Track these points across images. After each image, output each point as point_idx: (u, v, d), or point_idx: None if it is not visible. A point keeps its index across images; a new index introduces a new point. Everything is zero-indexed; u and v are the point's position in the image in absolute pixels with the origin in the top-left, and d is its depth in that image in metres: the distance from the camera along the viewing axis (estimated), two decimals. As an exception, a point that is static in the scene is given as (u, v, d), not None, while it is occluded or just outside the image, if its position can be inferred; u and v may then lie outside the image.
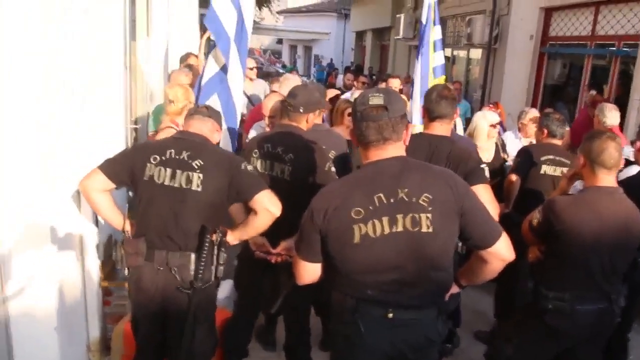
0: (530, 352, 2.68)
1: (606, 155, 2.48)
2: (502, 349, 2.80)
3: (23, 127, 2.43)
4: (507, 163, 4.52)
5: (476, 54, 11.69)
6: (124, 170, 2.45)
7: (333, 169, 2.80)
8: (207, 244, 2.40)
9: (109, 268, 3.38)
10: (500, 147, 4.53)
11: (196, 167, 2.41)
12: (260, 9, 22.25)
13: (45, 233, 2.66)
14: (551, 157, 3.88)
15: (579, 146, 2.64)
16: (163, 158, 2.43)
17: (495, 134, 4.48)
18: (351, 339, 1.96)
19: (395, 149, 1.92)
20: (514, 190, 3.82)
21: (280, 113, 3.06)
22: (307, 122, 2.90)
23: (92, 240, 3.13)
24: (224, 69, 3.62)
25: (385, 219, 1.85)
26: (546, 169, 3.87)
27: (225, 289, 3.64)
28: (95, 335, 3.26)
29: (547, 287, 2.56)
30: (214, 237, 2.42)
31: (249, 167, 2.49)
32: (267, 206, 2.39)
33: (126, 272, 2.49)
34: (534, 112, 5.07)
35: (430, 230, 1.85)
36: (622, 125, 6.69)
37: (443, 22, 13.17)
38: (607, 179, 2.52)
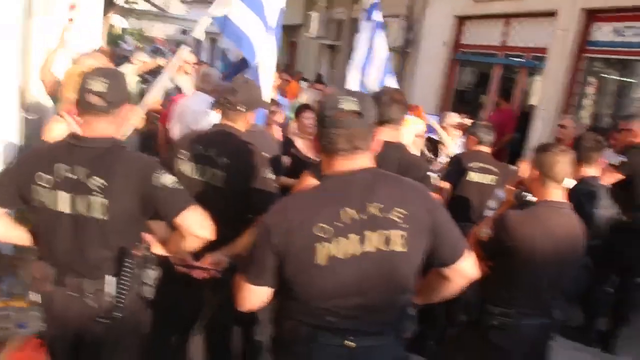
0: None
1: (558, 169, 2.43)
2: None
3: None
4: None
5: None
6: (10, 195, 1.99)
7: (271, 175, 2.53)
8: (128, 267, 2.01)
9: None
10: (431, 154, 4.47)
11: (97, 190, 1.93)
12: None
13: None
14: (480, 164, 3.91)
15: (532, 158, 2.57)
16: (53, 178, 1.95)
17: (420, 142, 4.43)
18: None
19: (365, 159, 1.72)
20: (445, 198, 3.78)
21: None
22: (246, 122, 2.60)
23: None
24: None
25: (353, 237, 1.64)
26: (474, 176, 3.89)
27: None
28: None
29: (494, 303, 2.47)
30: (137, 253, 2.06)
31: (166, 179, 2.00)
32: (195, 231, 2.01)
33: (36, 297, 2.08)
34: (455, 117, 5.12)
35: (402, 249, 1.67)
36: (526, 133, 7.04)
37: (357, 24, 13.36)
38: (556, 193, 2.47)
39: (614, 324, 4.25)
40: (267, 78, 3.93)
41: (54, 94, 3.72)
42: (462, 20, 8.84)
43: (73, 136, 2.04)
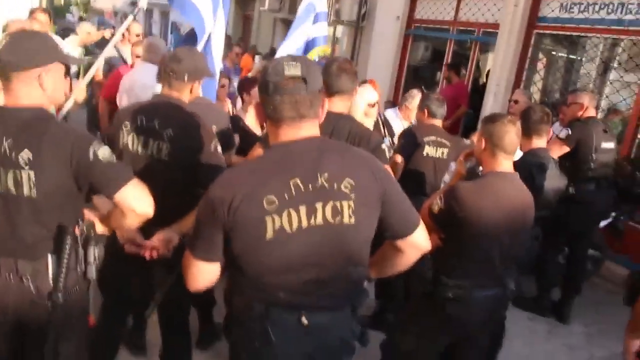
0: (427, 341, 2.60)
1: (507, 140, 2.43)
2: (398, 339, 2.70)
3: None
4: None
5: (342, 31, 11.70)
6: None
7: (220, 148, 2.44)
8: (67, 246, 1.87)
9: None
10: (384, 125, 4.42)
11: (24, 163, 1.79)
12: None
13: None
14: (433, 138, 3.90)
15: (480, 129, 2.57)
16: None
17: (375, 113, 4.36)
18: (258, 351, 1.68)
19: (312, 128, 1.66)
20: (398, 172, 3.77)
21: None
22: (191, 92, 2.49)
23: None
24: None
25: (302, 209, 1.59)
26: (429, 150, 3.89)
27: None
28: None
29: (448, 275, 2.47)
30: (78, 230, 1.92)
31: (102, 152, 1.86)
32: (134, 206, 1.90)
33: None
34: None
35: (352, 221, 1.64)
36: (479, 109, 7.14)
37: (310, -3, 13.16)
38: (505, 164, 2.48)
39: (566, 293, 4.39)
40: (218, 50, 3.81)
41: None
42: (415, -6, 8.80)
43: None
